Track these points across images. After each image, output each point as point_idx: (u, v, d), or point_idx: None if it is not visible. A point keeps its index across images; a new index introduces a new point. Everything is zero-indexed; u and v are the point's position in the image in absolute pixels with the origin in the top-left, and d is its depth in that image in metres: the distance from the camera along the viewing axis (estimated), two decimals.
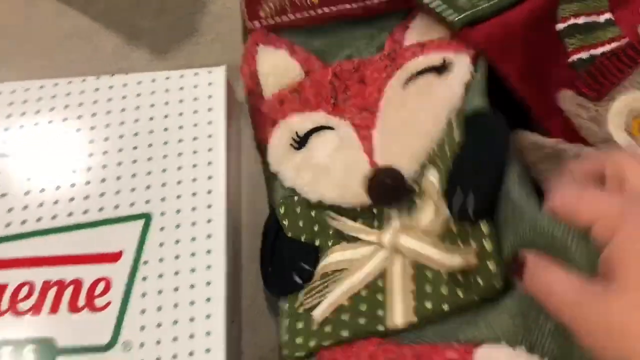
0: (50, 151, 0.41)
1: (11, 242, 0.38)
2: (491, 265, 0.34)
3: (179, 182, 0.40)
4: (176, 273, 0.37)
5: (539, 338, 0.32)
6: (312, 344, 0.36)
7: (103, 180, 0.40)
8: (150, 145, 0.41)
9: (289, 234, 0.40)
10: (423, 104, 0.40)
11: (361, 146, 0.40)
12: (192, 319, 0.36)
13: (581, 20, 0.46)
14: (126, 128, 0.41)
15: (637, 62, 0.45)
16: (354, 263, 0.38)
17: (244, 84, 0.44)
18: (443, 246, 0.36)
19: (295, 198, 0.41)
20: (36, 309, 0.37)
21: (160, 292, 0.37)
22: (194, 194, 0.39)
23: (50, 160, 0.41)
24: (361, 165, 0.39)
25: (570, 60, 0.45)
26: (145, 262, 0.38)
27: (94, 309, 0.37)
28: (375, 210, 0.39)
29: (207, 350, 0.36)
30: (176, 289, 0.37)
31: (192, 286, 0.37)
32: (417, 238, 0.37)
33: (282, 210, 0.41)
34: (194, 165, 0.40)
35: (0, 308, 0.37)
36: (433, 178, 0.37)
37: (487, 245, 0.34)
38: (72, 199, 0.39)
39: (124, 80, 0.42)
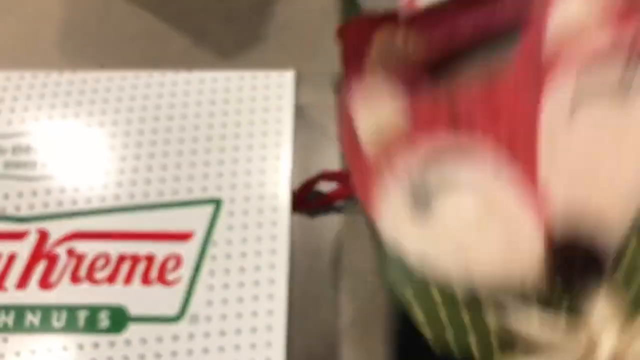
0: (128, 140, 0.44)
1: (90, 216, 0.41)
2: None
3: (248, 173, 0.43)
4: (243, 254, 0.40)
5: None
6: None
7: (178, 166, 0.43)
8: (222, 137, 0.44)
9: (428, 335, 0.27)
10: (607, 139, 0.27)
11: (523, 190, 0.26)
12: (255, 298, 0.39)
13: None
14: (201, 121, 0.44)
15: None
16: None
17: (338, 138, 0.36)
18: None
19: (429, 283, 0.28)
20: (111, 279, 0.40)
21: (227, 270, 0.40)
22: (261, 184, 0.42)
23: (129, 147, 0.44)
24: (529, 229, 0.26)
25: None
26: (215, 243, 0.41)
27: (165, 282, 0.40)
28: (561, 294, 0.25)
29: (269, 328, 0.38)
30: (242, 270, 0.40)
31: (257, 268, 0.40)
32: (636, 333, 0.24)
33: (409, 296, 0.28)
34: (263, 158, 0.43)
35: (79, 275, 0.39)
36: None
37: None
38: (148, 182, 0.42)
39: (201, 77, 0.46)
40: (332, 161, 0.50)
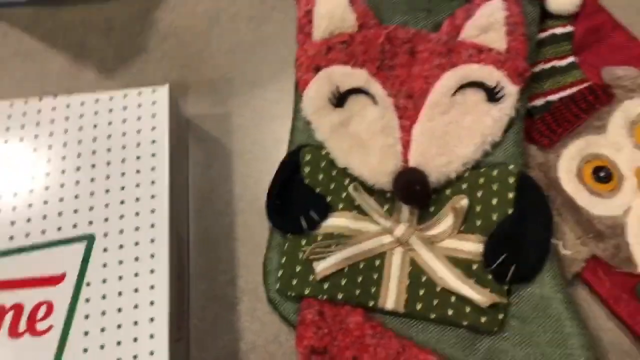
0: None
1: None
2: (500, 315, 0.39)
3: (122, 202, 0.39)
4: (119, 294, 0.37)
5: None
6: (307, 291, 0.41)
7: (45, 202, 0.40)
8: (93, 166, 0.40)
9: (306, 181, 0.42)
10: (466, 122, 0.42)
11: (400, 138, 0.42)
12: (135, 340, 0.36)
13: (538, 68, 0.46)
14: (69, 150, 0.41)
15: (595, 107, 0.45)
16: (358, 235, 0.41)
17: (297, 18, 0.44)
18: (454, 269, 0.40)
19: (323, 152, 0.43)
20: None
21: (103, 313, 0.37)
22: (137, 214, 0.39)
23: None
24: (395, 158, 0.41)
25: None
26: (88, 284, 0.38)
27: (35, 333, 0.36)
28: (389, 195, 0.42)
29: None
30: (119, 310, 0.37)
31: (135, 306, 0.37)
32: (428, 246, 0.40)
33: (306, 157, 0.43)
34: (137, 185, 0.40)
35: None
36: (464, 204, 0.41)
37: (504, 300, 0.39)
38: (13, 223, 0.39)
39: (67, 101, 0.42)
40: (227, 176, 0.47)
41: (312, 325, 0.40)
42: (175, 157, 0.43)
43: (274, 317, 0.43)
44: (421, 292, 0.40)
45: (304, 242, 0.41)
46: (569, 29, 0.47)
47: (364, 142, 0.42)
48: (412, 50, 0.43)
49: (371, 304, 0.40)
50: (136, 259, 0.38)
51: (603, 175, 0.43)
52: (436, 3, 0.45)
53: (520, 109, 0.43)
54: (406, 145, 0.42)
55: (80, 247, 0.38)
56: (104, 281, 0.38)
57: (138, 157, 0.41)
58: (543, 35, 0.47)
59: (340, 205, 0.42)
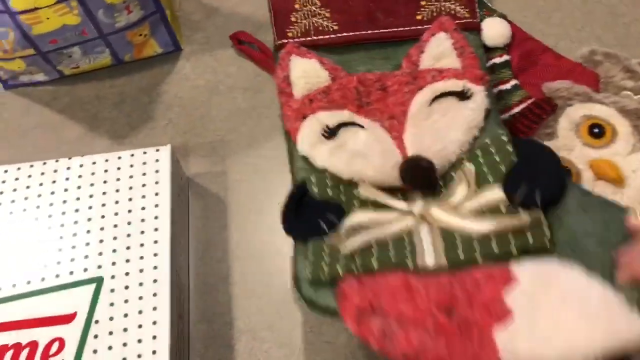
0: (13, 227, 0.45)
1: None
2: (546, 230, 0.39)
3: (128, 248, 0.44)
4: (125, 330, 0.41)
5: None
6: (340, 270, 0.39)
7: (60, 250, 0.44)
8: (102, 217, 0.45)
9: (317, 198, 0.44)
10: (448, 119, 0.45)
11: (394, 142, 0.45)
12: None
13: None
14: (82, 203, 0.46)
15: (542, 118, 0.52)
16: (379, 223, 0.42)
17: (277, 85, 0.49)
18: (484, 218, 0.40)
19: (327, 174, 0.45)
20: None
21: (110, 348, 0.41)
22: (141, 257, 0.43)
23: (13, 235, 0.45)
24: (395, 155, 0.44)
25: None
26: (97, 321, 0.41)
27: None
28: (399, 192, 0.43)
29: None
30: (125, 344, 0.41)
31: (139, 341, 0.41)
32: (451, 211, 0.41)
33: (313, 180, 0.45)
34: (142, 232, 0.44)
35: None
36: (470, 167, 0.43)
37: (542, 217, 0.40)
38: (29, 268, 0.43)
39: (80, 162, 0.48)
40: (224, 227, 0.51)
41: (352, 292, 0.38)
42: (176, 210, 0.47)
43: (270, 357, 0.46)
44: (459, 243, 0.40)
45: (326, 239, 0.41)
46: (505, 57, 0.55)
47: (362, 151, 0.45)
48: (383, 86, 0.48)
49: (410, 264, 0.39)
50: (140, 297, 0.42)
51: None
52: (391, 51, 0.51)
53: (491, 104, 0.47)
54: (401, 148, 0.45)
55: (90, 289, 0.42)
56: (111, 319, 0.42)
57: (143, 208, 0.45)
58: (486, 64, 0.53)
59: (356, 208, 0.43)
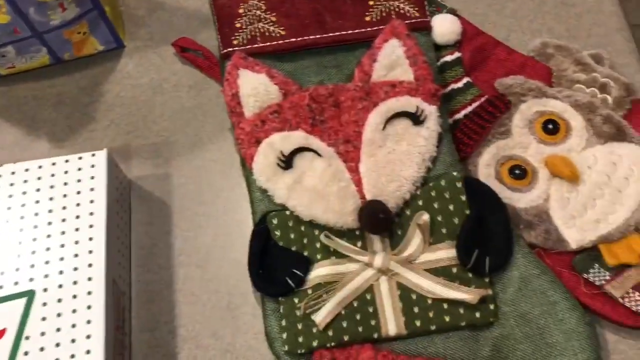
0: None
1: None
2: (492, 306, 0.43)
3: (61, 259, 0.42)
4: (57, 345, 0.39)
5: None
6: (315, 344, 0.43)
7: None
8: (35, 226, 0.43)
9: (280, 243, 0.45)
10: (403, 147, 0.46)
11: (351, 178, 0.45)
12: None
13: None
14: (12, 213, 0.44)
15: (496, 116, 0.51)
16: (343, 277, 0.44)
17: (226, 103, 0.48)
18: (437, 278, 0.43)
19: (287, 212, 0.46)
20: None
21: None
22: (75, 269, 0.42)
23: None
24: (353, 197, 0.45)
25: None
26: (27, 338, 0.40)
27: None
28: (358, 232, 0.45)
29: None
30: None
31: (72, 356, 0.39)
32: (408, 266, 0.44)
33: (274, 222, 0.46)
34: (76, 242, 0.43)
35: None
36: (425, 219, 0.44)
37: (489, 291, 0.43)
38: None
39: (12, 169, 0.46)
40: (168, 231, 0.50)
41: None
42: (115, 216, 0.46)
43: None
44: (416, 310, 0.43)
45: (296, 300, 0.44)
46: (457, 54, 0.53)
47: (321, 191, 0.45)
48: (336, 102, 0.47)
49: (375, 335, 0.43)
50: (74, 311, 0.41)
51: (518, 172, 0.48)
52: (342, 58, 0.50)
53: (444, 123, 0.48)
54: (358, 183, 0.45)
55: (20, 303, 0.41)
56: (43, 334, 0.40)
57: (77, 217, 0.44)
58: (437, 64, 0.52)
59: (319, 256, 0.44)
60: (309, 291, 0.44)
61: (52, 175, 0.45)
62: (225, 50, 0.50)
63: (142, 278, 0.48)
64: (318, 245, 0.45)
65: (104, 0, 0.54)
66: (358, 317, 0.43)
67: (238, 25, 0.51)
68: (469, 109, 0.52)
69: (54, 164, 0.46)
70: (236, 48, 0.50)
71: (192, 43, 0.56)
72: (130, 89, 0.56)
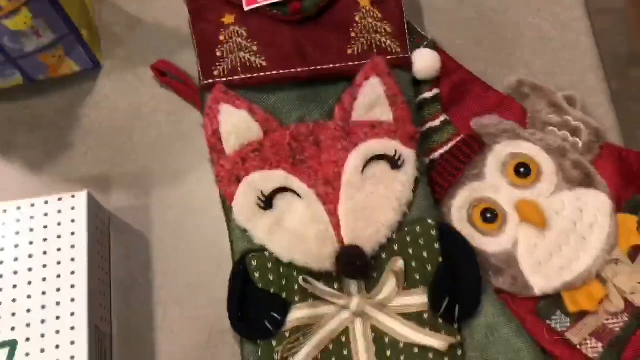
0: None
1: None
2: (459, 352, 0.45)
3: (43, 307, 0.43)
4: None
5: None
6: None
7: None
8: (15, 272, 0.44)
9: (259, 285, 0.46)
10: (380, 192, 0.47)
11: (329, 222, 0.46)
12: None
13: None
14: None
15: (470, 157, 0.52)
16: (319, 320, 0.45)
17: (206, 139, 0.48)
18: (409, 323, 0.45)
19: (266, 253, 0.47)
20: None
21: None
22: (57, 318, 0.42)
23: None
24: (331, 240, 0.46)
25: None
26: None
27: None
28: (335, 274, 0.46)
29: None
30: None
31: None
32: (382, 310, 0.45)
33: (254, 263, 0.47)
34: (58, 289, 0.43)
35: None
36: (400, 265, 0.46)
37: (458, 338, 0.45)
38: None
39: None
40: (147, 266, 0.50)
41: None
42: (96, 256, 0.46)
43: None
44: (388, 353, 0.45)
45: (274, 342, 0.45)
46: (435, 91, 0.54)
47: (300, 234, 0.46)
48: (316, 141, 0.48)
49: None
50: None
51: (489, 216, 0.50)
52: (323, 92, 0.50)
53: (421, 167, 0.49)
54: (336, 226, 0.46)
55: (3, 353, 0.41)
56: None
57: (59, 262, 0.44)
58: (416, 101, 0.53)
59: (297, 298, 0.46)
60: (287, 334, 0.45)
61: (32, 217, 0.45)
62: (206, 82, 0.50)
63: (122, 315, 0.49)
64: (296, 287, 0.46)
65: (80, 24, 0.53)
66: (333, 358, 0.45)
67: (219, 53, 0.50)
68: (445, 148, 0.53)
69: (32, 205, 0.46)
70: (217, 79, 0.49)
71: (171, 67, 0.55)
72: (107, 114, 0.55)
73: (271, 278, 0.46)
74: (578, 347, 0.47)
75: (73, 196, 0.46)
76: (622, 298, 0.48)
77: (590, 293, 0.48)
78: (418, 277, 0.46)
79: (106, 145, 0.54)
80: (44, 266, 0.44)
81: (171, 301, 0.49)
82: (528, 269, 0.49)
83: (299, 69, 0.50)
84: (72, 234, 0.45)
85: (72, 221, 0.45)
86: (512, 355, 0.45)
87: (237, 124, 0.48)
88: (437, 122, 0.54)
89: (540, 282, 0.48)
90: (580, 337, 0.47)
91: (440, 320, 0.45)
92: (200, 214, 0.52)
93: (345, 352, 0.45)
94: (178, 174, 0.53)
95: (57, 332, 0.42)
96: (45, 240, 0.45)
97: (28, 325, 0.42)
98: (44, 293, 0.43)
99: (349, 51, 0.51)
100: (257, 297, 0.46)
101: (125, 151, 0.54)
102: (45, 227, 0.45)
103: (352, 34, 0.51)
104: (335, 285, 0.46)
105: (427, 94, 0.54)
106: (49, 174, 0.53)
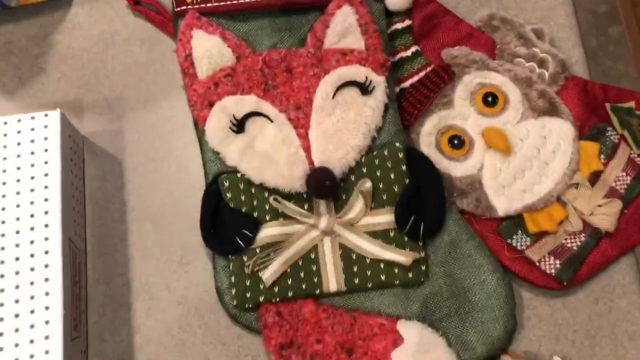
0: None
1: None
2: (423, 267, 0.48)
3: (17, 219, 0.44)
4: (16, 301, 0.42)
5: (436, 322, 0.47)
6: (261, 299, 0.47)
7: None
8: None
9: (231, 204, 0.48)
10: (350, 117, 0.49)
11: (300, 144, 0.48)
12: (32, 341, 0.41)
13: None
14: None
15: (440, 87, 0.53)
16: (289, 237, 0.47)
17: (179, 64, 0.49)
18: (375, 241, 0.47)
19: (238, 175, 0.48)
20: None
21: (1, 319, 0.41)
22: (32, 228, 0.43)
23: None
24: (302, 162, 0.47)
25: None
26: None
27: None
28: (305, 195, 0.48)
29: None
30: (17, 316, 0.41)
31: (32, 311, 0.42)
32: (349, 228, 0.47)
33: (226, 184, 0.48)
34: (32, 202, 0.44)
35: None
36: (368, 186, 0.48)
37: (422, 254, 0.48)
38: None
39: None
40: (121, 187, 0.51)
41: (274, 326, 0.46)
42: (70, 174, 0.47)
43: (166, 315, 0.48)
44: (355, 269, 0.47)
45: (245, 258, 0.47)
46: (407, 22, 0.55)
47: (271, 156, 0.47)
48: (288, 67, 0.49)
49: (317, 291, 0.47)
50: (32, 269, 0.43)
51: (457, 142, 0.52)
52: (295, 20, 0.51)
53: (391, 94, 0.50)
54: (307, 149, 0.48)
55: None
56: (2, 291, 0.42)
57: (32, 177, 0.45)
58: (388, 31, 0.54)
59: (268, 217, 0.48)
60: (257, 250, 0.47)
61: (5, 135, 0.46)
62: (179, 9, 0.50)
63: (96, 232, 0.50)
64: (267, 207, 0.48)
65: None
66: (302, 274, 0.47)
67: None
68: (416, 78, 0.54)
69: (5, 123, 0.46)
70: (190, 6, 0.50)
71: None
72: (81, 41, 0.55)
73: (243, 198, 0.48)
74: (537, 264, 0.49)
75: (46, 115, 0.47)
76: (581, 219, 0.50)
77: (551, 214, 0.50)
78: (385, 198, 0.48)
79: (80, 71, 0.54)
80: (18, 180, 0.45)
81: (145, 220, 0.50)
82: (492, 192, 0.50)
83: None
84: (45, 150, 0.46)
85: (45, 139, 0.46)
86: (472, 270, 0.47)
87: (209, 49, 0.48)
88: (408, 53, 0.55)
89: (503, 204, 0.50)
90: (539, 254, 0.49)
91: (406, 238, 0.47)
92: (173, 138, 0.53)
93: (314, 268, 0.47)
94: (151, 99, 0.54)
95: (32, 242, 0.43)
96: (18, 156, 0.45)
97: (2, 235, 0.43)
98: (18, 205, 0.44)
99: None
100: (229, 215, 0.47)
101: (99, 77, 0.54)
102: (19, 144, 0.46)
103: None
104: (305, 206, 0.48)
105: (399, 25, 0.55)
106: (22, 99, 0.53)
